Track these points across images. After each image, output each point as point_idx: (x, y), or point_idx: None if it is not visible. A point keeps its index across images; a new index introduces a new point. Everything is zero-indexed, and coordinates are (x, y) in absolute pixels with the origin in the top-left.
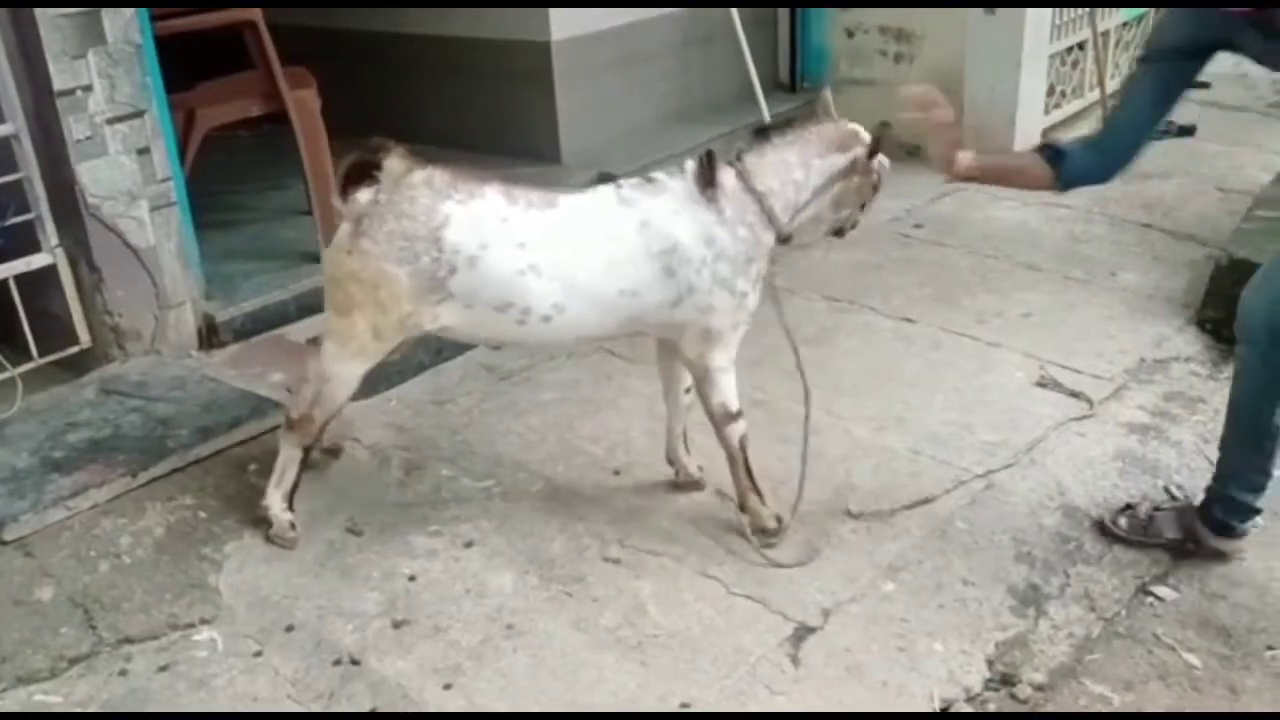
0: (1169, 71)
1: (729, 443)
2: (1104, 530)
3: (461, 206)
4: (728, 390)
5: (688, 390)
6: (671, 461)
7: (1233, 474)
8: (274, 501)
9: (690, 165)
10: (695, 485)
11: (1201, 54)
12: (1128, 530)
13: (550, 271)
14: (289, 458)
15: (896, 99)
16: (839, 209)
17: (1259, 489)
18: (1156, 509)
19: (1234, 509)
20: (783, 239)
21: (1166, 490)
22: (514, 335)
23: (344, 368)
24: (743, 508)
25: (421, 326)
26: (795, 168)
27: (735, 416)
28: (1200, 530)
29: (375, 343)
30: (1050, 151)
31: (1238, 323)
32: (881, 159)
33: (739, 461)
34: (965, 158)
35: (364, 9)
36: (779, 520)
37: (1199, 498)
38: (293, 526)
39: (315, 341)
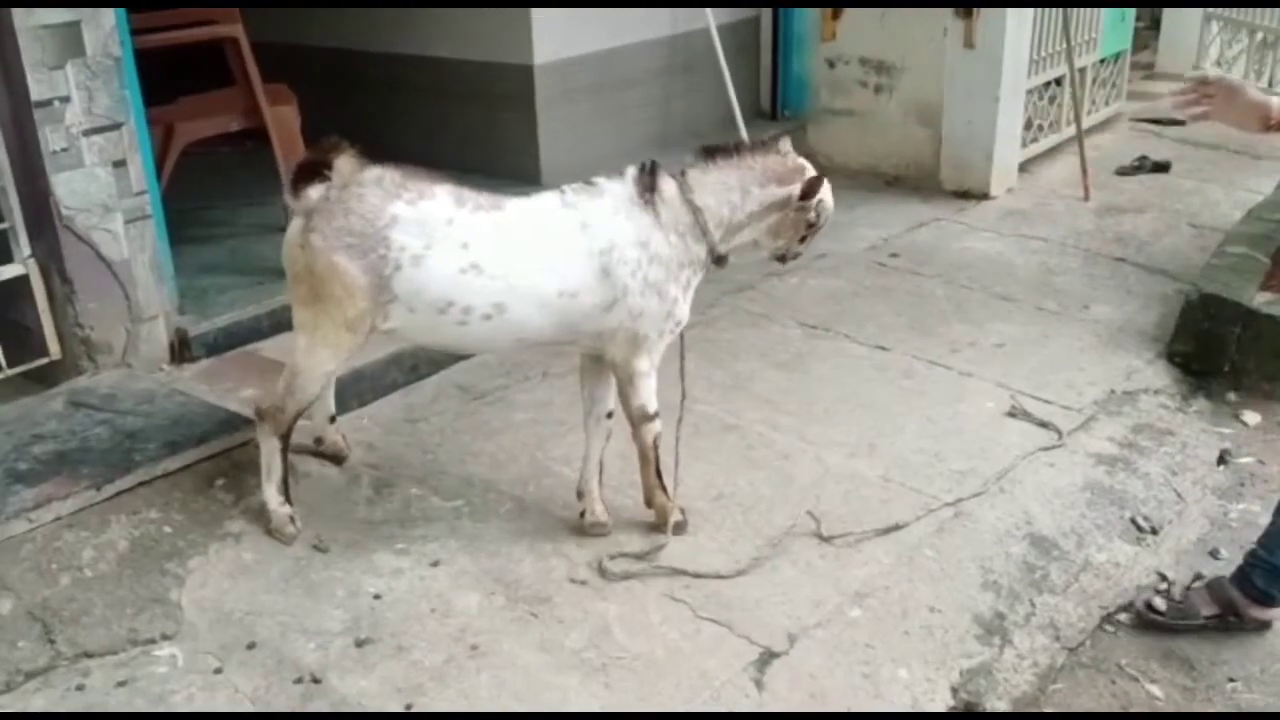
0: None
1: (644, 441)
2: (1140, 617)
3: (410, 207)
4: (648, 394)
5: (609, 414)
6: (581, 495)
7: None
8: (269, 495)
9: (631, 170)
10: (601, 529)
11: None
12: (1166, 613)
13: (492, 270)
14: (269, 449)
15: (876, 129)
16: (776, 238)
17: None
18: (1189, 588)
19: (1277, 577)
20: (716, 257)
21: (1160, 584)
22: (456, 337)
23: (312, 360)
24: (649, 503)
25: (376, 326)
26: (733, 190)
27: (652, 418)
28: (1239, 602)
29: (342, 335)
30: None
31: None
32: (824, 201)
33: (650, 460)
34: (1276, 102)
35: (347, 29)
36: (682, 513)
37: (1230, 570)
38: (292, 521)
39: None
